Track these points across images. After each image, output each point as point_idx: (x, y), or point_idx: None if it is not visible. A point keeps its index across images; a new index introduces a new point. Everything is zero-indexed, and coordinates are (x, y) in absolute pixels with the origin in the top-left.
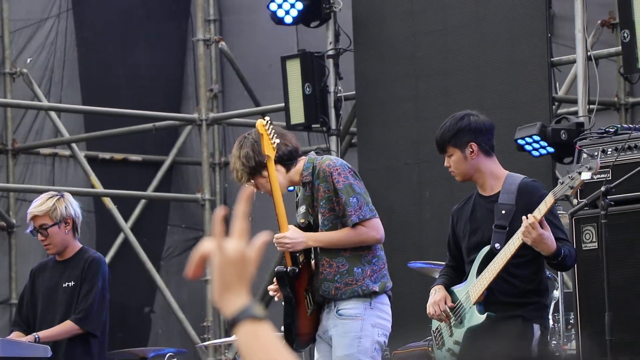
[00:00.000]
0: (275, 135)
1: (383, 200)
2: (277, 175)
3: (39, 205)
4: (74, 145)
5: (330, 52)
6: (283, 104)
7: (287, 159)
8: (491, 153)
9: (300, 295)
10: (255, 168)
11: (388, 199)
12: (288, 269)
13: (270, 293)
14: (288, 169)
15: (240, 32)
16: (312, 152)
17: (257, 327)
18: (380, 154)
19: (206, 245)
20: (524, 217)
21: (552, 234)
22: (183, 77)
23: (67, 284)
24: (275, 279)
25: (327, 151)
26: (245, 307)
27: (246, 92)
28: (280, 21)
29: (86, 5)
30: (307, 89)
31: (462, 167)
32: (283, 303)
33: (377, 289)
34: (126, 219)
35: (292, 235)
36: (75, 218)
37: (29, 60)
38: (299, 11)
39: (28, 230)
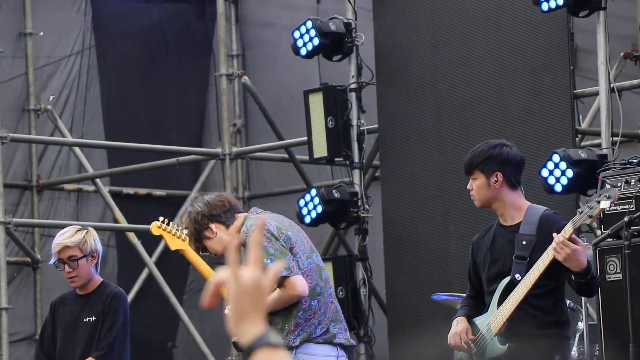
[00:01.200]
0: (180, 227)
1: (407, 233)
2: (199, 259)
3: (69, 236)
4: (98, 180)
5: (353, 86)
6: (306, 138)
7: (223, 217)
8: (516, 187)
9: None
10: (196, 237)
11: (412, 232)
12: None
13: None
14: (227, 226)
15: (262, 67)
16: (252, 209)
17: (274, 355)
18: (403, 187)
19: (222, 274)
20: (554, 234)
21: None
22: (205, 111)
23: (88, 318)
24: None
25: (350, 184)
26: (261, 335)
27: (269, 126)
28: (297, 51)
29: (108, 41)
30: (330, 122)
31: (483, 193)
32: None
33: (296, 343)
34: (150, 254)
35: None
36: (99, 253)
37: (51, 97)
38: (320, 45)
39: (52, 262)
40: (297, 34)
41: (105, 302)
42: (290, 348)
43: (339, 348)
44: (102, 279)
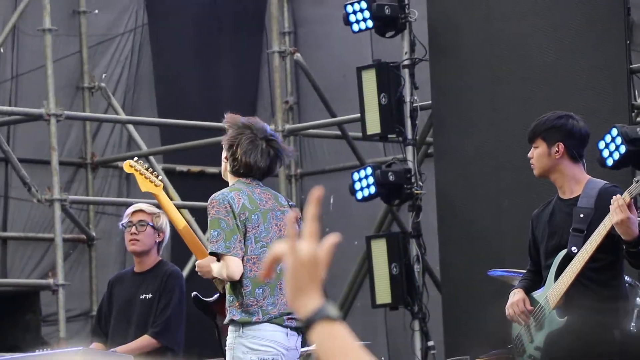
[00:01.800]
0: (155, 172)
1: (461, 209)
2: (171, 206)
3: (147, 206)
4: (151, 158)
5: (406, 62)
6: (359, 115)
7: (233, 164)
8: (578, 160)
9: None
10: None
11: (466, 208)
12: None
13: None
14: (232, 172)
15: (314, 44)
16: (237, 181)
17: (333, 328)
18: (457, 163)
19: (278, 248)
20: (614, 197)
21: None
22: (258, 89)
23: (144, 296)
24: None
25: (404, 161)
26: (319, 308)
27: (322, 103)
28: (348, 23)
29: (161, 19)
30: (383, 99)
31: (542, 162)
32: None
33: (236, 318)
34: (203, 231)
35: (200, 264)
36: (166, 236)
37: (104, 75)
38: (373, 21)
39: (121, 223)
40: (349, 9)
41: (162, 280)
42: (232, 321)
43: (288, 329)
44: (160, 258)
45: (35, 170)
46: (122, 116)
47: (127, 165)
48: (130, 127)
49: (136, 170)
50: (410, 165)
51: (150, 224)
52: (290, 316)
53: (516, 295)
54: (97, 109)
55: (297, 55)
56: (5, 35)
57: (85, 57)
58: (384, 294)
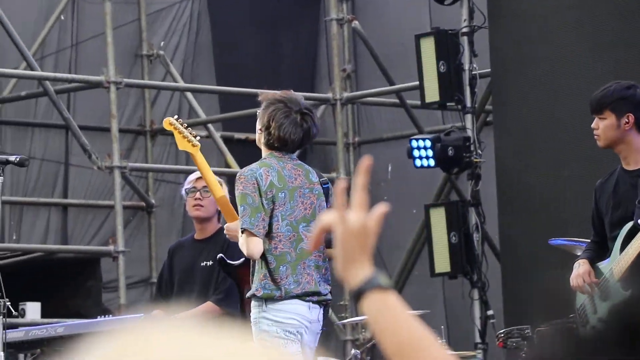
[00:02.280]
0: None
1: (521, 178)
2: (207, 168)
3: None
4: (209, 125)
5: (465, 30)
6: (417, 83)
7: (267, 136)
8: None
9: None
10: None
11: (526, 177)
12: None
13: None
14: (265, 144)
15: (373, 11)
16: (269, 154)
17: (384, 297)
18: (516, 132)
19: (327, 217)
20: None
21: None
22: (316, 57)
23: (205, 263)
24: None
25: (463, 129)
26: (370, 277)
27: (380, 71)
28: None
29: None
30: (442, 67)
31: (610, 133)
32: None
33: (260, 294)
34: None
35: (228, 227)
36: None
37: (162, 43)
38: None
39: (184, 188)
40: None
41: (223, 247)
42: (254, 296)
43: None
44: (220, 225)
45: (95, 137)
46: (181, 84)
47: (166, 123)
48: (189, 94)
49: (175, 128)
50: (469, 133)
51: None
52: (314, 298)
53: (582, 267)
54: (156, 76)
55: (355, 23)
56: (66, 3)
57: (144, 25)
58: (442, 262)
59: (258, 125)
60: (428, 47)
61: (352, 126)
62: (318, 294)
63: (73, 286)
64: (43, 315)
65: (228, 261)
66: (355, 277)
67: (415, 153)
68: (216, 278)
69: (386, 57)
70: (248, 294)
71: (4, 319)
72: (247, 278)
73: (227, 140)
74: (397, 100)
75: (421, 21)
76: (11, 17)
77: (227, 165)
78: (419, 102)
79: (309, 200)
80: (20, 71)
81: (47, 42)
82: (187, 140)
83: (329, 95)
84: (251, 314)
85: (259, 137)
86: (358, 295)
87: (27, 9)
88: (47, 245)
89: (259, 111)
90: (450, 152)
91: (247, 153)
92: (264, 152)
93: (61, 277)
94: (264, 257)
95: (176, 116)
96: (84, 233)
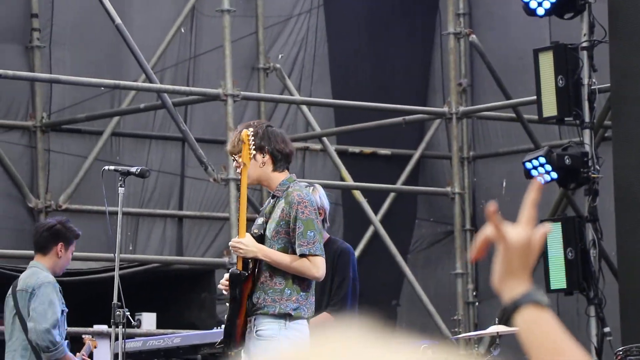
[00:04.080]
0: (256, 143)
1: (637, 194)
2: (246, 184)
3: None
4: (324, 139)
5: (585, 44)
6: (534, 97)
7: (280, 158)
8: None
9: (244, 298)
10: (249, 141)
11: None
12: (240, 272)
13: (220, 287)
14: (274, 168)
15: (490, 25)
16: (294, 175)
17: (540, 313)
18: (636, 147)
19: (489, 230)
20: None
21: None
22: (430, 71)
23: None
24: (229, 277)
25: (581, 145)
26: (528, 292)
27: (496, 85)
28: (532, 12)
29: (336, 1)
30: (560, 81)
31: None
32: (228, 303)
33: (292, 313)
34: (375, 212)
35: (247, 243)
36: (326, 210)
37: (280, 56)
38: (551, 3)
39: None
40: None
41: (334, 258)
42: (283, 315)
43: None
44: (329, 236)
45: (211, 149)
46: (297, 97)
47: (245, 134)
48: (304, 108)
49: (247, 142)
50: (587, 148)
51: None
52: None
53: None
54: (272, 89)
55: (473, 37)
56: (185, 16)
57: (261, 38)
58: (558, 278)
59: (255, 153)
60: (547, 61)
61: (466, 140)
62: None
63: (187, 297)
64: (158, 326)
65: (240, 275)
66: (513, 291)
67: (534, 172)
68: (329, 289)
69: (503, 71)
70: (275, 311)
71: (123, 329)
72: (247, 291)
73: (342, 154)
74: (513, 115)
75: (540, 36)
76: (132, 31)
77: (341, 179)
78: (536, 117)
79: None
80: (139, 84)
81: (167, 55)
82: (248, 157)
83: (445, 109)
84: (262, 328)
85: (258, 173)
86: (514, 308)
87: (148, 23)
88: (163, 257)
89: (243, 150)
90: (567, 160)
91: (361, 166)
92: (276, 177)
93: (176, 288)
94: (305, 279)
95: (251, 131)
96: (199, 244)
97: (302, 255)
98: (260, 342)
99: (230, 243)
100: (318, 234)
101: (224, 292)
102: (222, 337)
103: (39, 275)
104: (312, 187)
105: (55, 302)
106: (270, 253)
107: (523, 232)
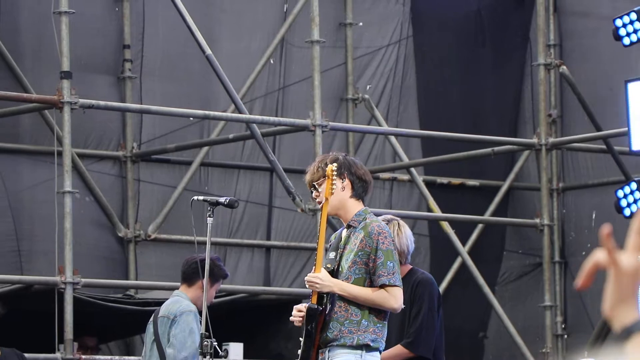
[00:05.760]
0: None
1: None
2: (326, 218)
3: (390, 217)
4: (412, 169)
5: None
6: (625, 128)
7: (359, 185)
8: None
9: (317, 332)
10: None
11: None
12: (317, 306)
13: (294, 319)
14: (352, 194)
15: (581, 56)
16: (368, 208)
17: None
18: None
19: (600, 256)
20: None
21: None
22: (520, 101)
23: None
24: (306, 312)
25: None
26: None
27: (587, 116)
28: (619, 38)
29: (426, 32)
30: None
31: None
32: (302, 338)
33: (371, 344)
34: (463, 244)
35: (324, 278)
36: (410, 252)
37: (368, 87)
38: (637, 35)
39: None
40: (619, 22)
41: (412, 289)
42: (360, 346)
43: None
44: (410, 266)
45: (299, 179)
46: (385, 127)
47: (330, 169)
48: (392, 138)
49: (332, 177)
50: None
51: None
52: None
53: None
54: (360, 120)
55: (563, 68)
56: (274, 47)
57: (350, 69)
58: None
59: (339, 183)
60: (637, 91)
61: (556, 172)
62: None
63: (274, 328)
64: (245, 356)
65: (319, 306)
66: (625, 317)
67: (623, 203)
68: (407, 320)
69: (593, 102)
70: (353, 342)
71: (211, 359)
72: (320, 325)
73: (430, 184)
74: (603, 146)
75: (631, 66)
76: (222, 61)
77: (429, 210)
78: (626, 148)
79: None
80: (228, 114)
81: (256, 86)
82: (330, 191)
83: (534, 140)
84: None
85: (337, 200)
86: (627, 334)
87: (237, 53)
88: (251, 287)
89: (333, 169)
90: None
91: (449, 197)
92: (353, 207)
93: (263, 318)
94: (383, 312)
95: (335, 165)
96: (286, 275)
97: (382, 286)
98: None
99: (306, 278)
100: (397, 265)
101: (296, 324)
102: None
103: (182, 303)
104: (397, 225)
105: (195, 331)
106: (346, 287)
107: (633, 258)
